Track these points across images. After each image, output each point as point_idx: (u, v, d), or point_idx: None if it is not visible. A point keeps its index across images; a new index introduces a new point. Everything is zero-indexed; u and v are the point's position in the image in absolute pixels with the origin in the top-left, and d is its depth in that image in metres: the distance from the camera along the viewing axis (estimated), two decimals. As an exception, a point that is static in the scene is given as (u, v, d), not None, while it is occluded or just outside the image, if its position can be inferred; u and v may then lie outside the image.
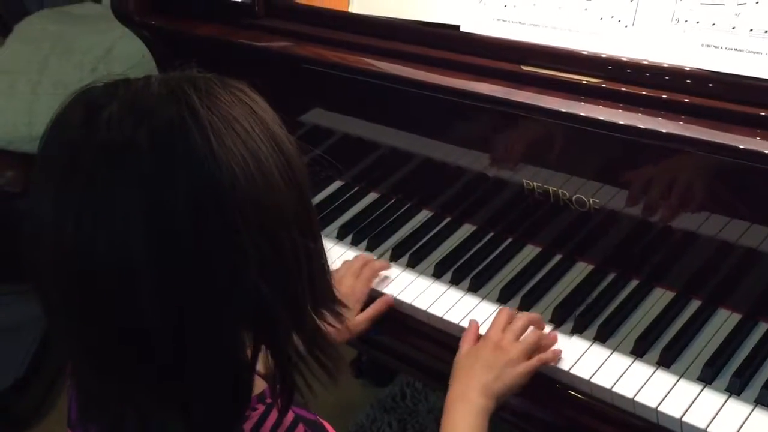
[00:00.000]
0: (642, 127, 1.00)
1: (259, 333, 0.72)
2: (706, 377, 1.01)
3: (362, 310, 1.19)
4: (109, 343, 0.68)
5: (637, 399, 1.01)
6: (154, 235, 0.64)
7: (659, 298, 1.13)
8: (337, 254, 1.31)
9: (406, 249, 1.30)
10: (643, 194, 1.08)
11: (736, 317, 1.08)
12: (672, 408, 0.99)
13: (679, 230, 1.07)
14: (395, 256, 1.29)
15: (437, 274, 1.25)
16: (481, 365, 1.04)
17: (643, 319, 1.11)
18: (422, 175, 1.34)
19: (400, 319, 1.22)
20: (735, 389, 0.99)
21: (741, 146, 0.94)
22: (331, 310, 0.79)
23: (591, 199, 1.13)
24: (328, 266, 0.78)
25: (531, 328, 1.09)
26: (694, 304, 1.11)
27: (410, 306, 1.20)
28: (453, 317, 1.17)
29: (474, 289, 1.21)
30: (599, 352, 1.08)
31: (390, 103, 1.28)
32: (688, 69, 1.01)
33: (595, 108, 1.05)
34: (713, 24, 1.01)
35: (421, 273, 1.25)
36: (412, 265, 1.27)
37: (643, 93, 1.03)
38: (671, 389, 1.01)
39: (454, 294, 1.21)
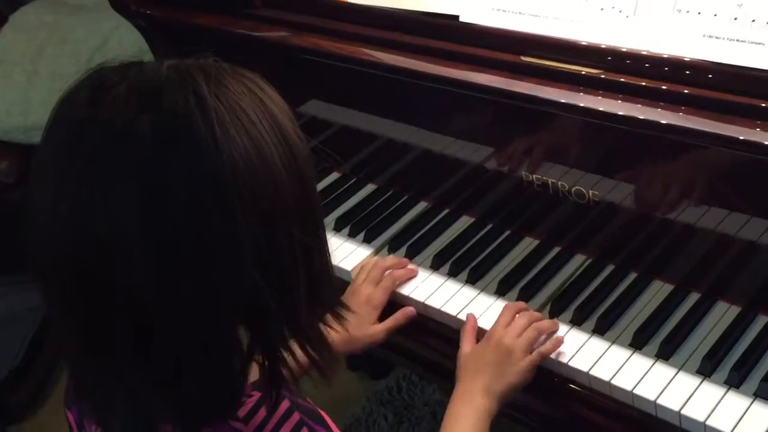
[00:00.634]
0: (641, 118, 1.00)
1: (251, 323, 0.71)
2: (705, 370, 1.01)
3: (381, 318, 1.18)
4: (105, 325, 0.67)
5: (635, 392, 1.01)
6: (150, 218, 0.63)
7: (658, 291, 1.13)
8: (335, 246, 1.31)
9: (404, 241, 1.29)
10: (642, 186, 1.08)
11: (735, 310, 1.08)
12: (671, 401, 0.99)
13: (678, 222, 1.07)
14: (393, 248, 1.29)
15: (435, 266, 1.24)
16: (484, 365, 1.04)
17: (641, 312, 1.10)
18: (420, 167, 1.33)
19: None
20: (734, 382, 0.99)
21: (741, 137, 0.94)
22: (331, 310, 0.78)
23: (590, 191, 1.12)
24: (330, 265, 0.77)
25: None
26: (693, 297, 1.11)
27: (408, 298, 1.20)
28: (451, 309, 1.17)
29: (472, 281, 1.21)
30: (598, 344, 1.08)
31: (388, 94, 1.27)
32: (688, 60, 1.01)
33: (595, 99, 1.04)
34: (715, 14, 1.00)
35: (419, 265, 1.25)
36: (409, 257, 1.26)
37: (643, 84, 1.02)
38: (670, 382, 1.01)
39: (452, 286, 1.20)
